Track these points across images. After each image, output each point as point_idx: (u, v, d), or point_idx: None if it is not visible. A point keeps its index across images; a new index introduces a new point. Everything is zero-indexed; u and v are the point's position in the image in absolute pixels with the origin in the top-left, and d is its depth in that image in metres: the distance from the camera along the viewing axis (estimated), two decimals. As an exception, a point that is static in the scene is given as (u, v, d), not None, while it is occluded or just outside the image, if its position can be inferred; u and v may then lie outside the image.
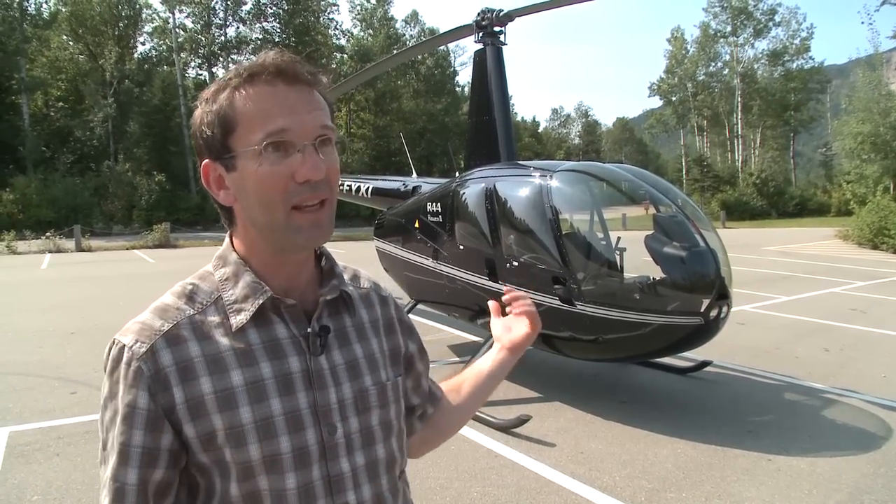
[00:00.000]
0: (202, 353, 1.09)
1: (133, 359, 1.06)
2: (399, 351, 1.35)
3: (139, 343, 1.07)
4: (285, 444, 1.09)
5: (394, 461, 1.25)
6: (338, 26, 55.17)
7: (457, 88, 60.21)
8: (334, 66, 49.00)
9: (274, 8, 49.47)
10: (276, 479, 1.09)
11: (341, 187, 10.06)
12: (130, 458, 1.06)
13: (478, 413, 5.86)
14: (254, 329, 1.12)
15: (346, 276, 1.30)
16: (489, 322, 5.90)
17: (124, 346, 1.08)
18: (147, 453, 1.06)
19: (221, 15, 48.34)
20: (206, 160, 1.13)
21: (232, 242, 1.20)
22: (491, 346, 1.60)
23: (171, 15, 46.17)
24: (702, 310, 5.43)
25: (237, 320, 1.12)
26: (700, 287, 5.67)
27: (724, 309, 5.56)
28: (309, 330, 1.15)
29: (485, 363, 1.54)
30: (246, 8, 48.70)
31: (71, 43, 42.81)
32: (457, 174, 8.67)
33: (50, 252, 23.73)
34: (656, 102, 72.44)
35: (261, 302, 1.12)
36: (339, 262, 1.32)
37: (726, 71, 62.67)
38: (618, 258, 6.43)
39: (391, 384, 1.27)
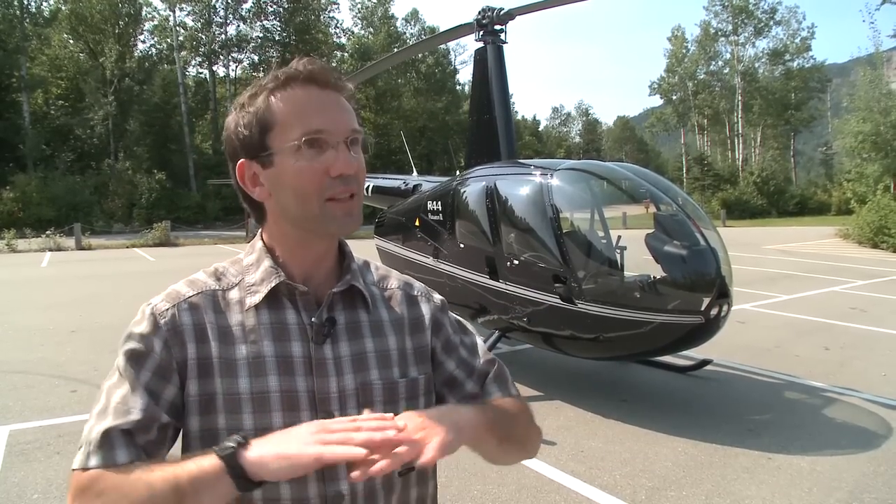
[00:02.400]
0: (216, 322, 1.19)
1: (155, 313, 1.18)
2: (426, 349, 1.34)
3: (164, 302, 1.19)
4: (277, 420, 1.14)
5: None
6: (338, 25, 55.13)
7: (457, 87, 60.11)
8: (335, 64, 48.95)
9: (274, 6, 49.33)
10: None
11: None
12: (137, 388, 1.13)
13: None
14: (266, 310, 1.21)
15: (374, 277, 1.36)
16: (490, 320, 5.92)
17: (152, 303, 1.20)
18: (151, 393, 1.13)
19: (222, 13, 48.22)
20: (242, 160, 1.21)
21: (262, 234, 1.29)
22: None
23: (171, 13, 46.09)
24: (702, 308, 5.43)
25: (251, 300, 1.21)
26: (701, 285, 5.67)
27: (725, 307, 5.56)
28: (314, 319, 1.20)
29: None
30: (246, 6, 48.54)
31: (71, 41, 42.67)
32: (457, 173, 8.67)
33: (50, 250, 23.71)
34: (657, 101, 72.35)
35: (273, 284, 1.20)
36: (372, 265, 1.40)
37: (727, 70, 62.50)
38: (618, 257, 6.43)
39: (406, 382, 1.27)
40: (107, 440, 1.08)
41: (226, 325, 1.19)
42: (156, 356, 1.14)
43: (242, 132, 1.19)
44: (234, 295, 1.22)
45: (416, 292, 1.38)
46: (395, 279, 1.39)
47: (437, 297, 1.42)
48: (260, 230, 1.30)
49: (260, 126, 1.17)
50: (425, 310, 1.37)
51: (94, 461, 1.08)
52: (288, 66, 1.19)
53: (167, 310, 1.17)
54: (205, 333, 1.17)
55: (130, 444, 1.08)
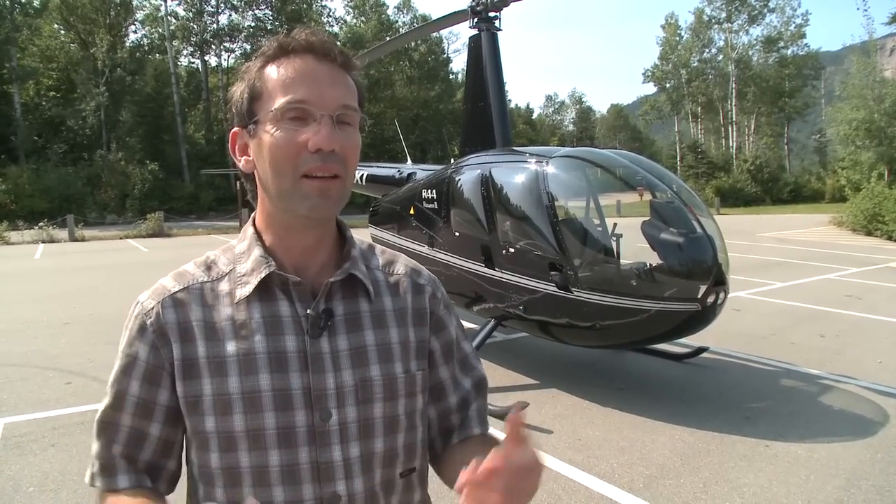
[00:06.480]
0: (203, 318, 1.13)
1: (141, 313, 1.14)
2: (426, 345, 1.26)
3: (150, 300, 1.15)
4: (270, 421, 1.10)
5: (394, 457, 1.19)
6: (330, 13, 54.83)
7: (450, 75, 59.94)
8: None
9: (266, -5, 49.08)
10: (259, 456, 1.10)
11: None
12: (125, 404, 1.14)
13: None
14: (257, 303, 1.14)
15: (379, 261, 1.29)
16: (486, 308, 5.88)
17: (139, 301, 1.17)
18: (142, 404, 1.13)
19: (213, 2, 47.90)
20: (235, 129, 1.18)
21: (254, 218, 1.23)
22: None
23: (162, 2, 45.81)
24: (699, 296, 5.42)
25: (241, 292, 1.14)
26: (697, 273, 5.65)
27: (722, 295, 5.55)
28: (309, 311, 1.13)
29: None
30: (238, -5, 48.32)
31: (62, 31, 42.36)
32: (451, 161, 8.64)
33: (43, 242, 23.62)
34: (650, 89, 72.36)
35: (263, 275, 1.13)
36: (377, 248, 1.33)
37: (721, 57, 62.43)
38: (614, 244, 6.41)
39: (406, 377, 1.20)
40: (106, 464, 1.15)
41: (214, 320, 1.13)
42: (142, 363, 1.12)
43: (238, 100, 1.16)
44: (223, 287, 1.16)
45: (423, 281, 1.30)
46: (401, 264, 1.31)
47: (444, 291, 1.35)
48: (253, 214, 1.23)
49: (250, 93, 1.14)
50: (431, 303, 1.28)
51: (99, 483, 1.15)
52: (289, 35, 1.14)
53: (152, 308, 1.13)
54: (190, 332, 1.12)
55: (130, 469, 1.15)
